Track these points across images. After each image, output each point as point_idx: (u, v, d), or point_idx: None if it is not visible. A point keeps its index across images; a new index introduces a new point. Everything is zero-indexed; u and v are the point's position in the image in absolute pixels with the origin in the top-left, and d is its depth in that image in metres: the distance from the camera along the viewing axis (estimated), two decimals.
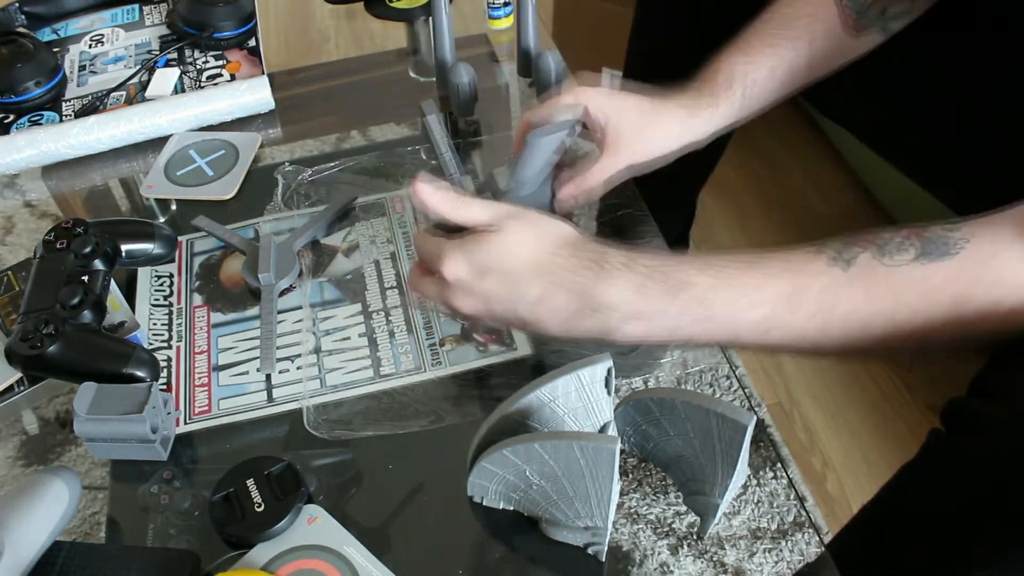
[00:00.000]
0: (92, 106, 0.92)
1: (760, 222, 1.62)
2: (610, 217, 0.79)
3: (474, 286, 0.57)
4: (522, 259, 0.56)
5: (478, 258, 0.57)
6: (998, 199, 0.75)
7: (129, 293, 0.75)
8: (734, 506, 0.60)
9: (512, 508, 0.59)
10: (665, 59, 1.00)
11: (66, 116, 0.92)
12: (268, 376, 0.69)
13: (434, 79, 0.95)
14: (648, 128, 0.69)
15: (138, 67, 0.97)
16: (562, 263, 0.56)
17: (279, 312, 0.73)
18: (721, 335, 0.55)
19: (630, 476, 0.62)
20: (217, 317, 0.74)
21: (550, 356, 0.69)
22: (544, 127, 0.64)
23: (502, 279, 0.56)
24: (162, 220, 0.84)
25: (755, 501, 0.60)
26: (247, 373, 0.69)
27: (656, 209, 0.79)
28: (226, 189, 0.84)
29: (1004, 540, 0.55)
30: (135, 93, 0.94)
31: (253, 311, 0.74)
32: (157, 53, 0.99)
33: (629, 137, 0.68)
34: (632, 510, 0.60)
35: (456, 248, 0.57)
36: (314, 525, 0.57)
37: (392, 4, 1.05)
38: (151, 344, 0.72)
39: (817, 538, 0.59)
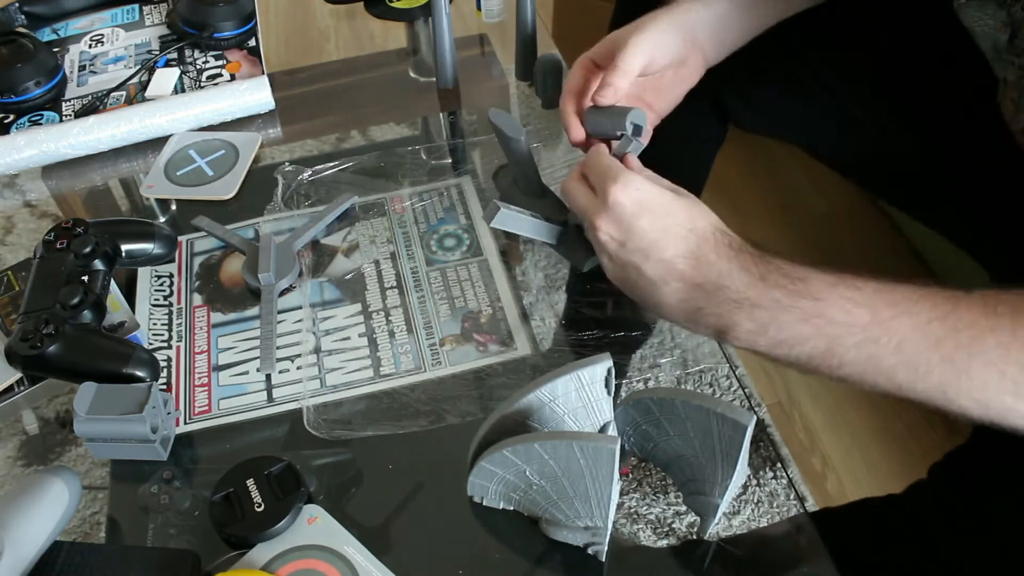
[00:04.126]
0: (92, 106, 0.92)
1: (760, 222, 1.62)
2: None
3: (626, 217, 0.58)
4: (683, 217, 0.57)
5: (646, 197, 0.58)
6: (966, 224, 0.77)
7: (129, 293, 0.75)
8: (734, 506, 0.60)
9: (512, 508, 0.59)
10: None
11: (66, 116, 0.92)
12: (268, 376, 0.69)
13: (434, 79, 0.95)
14: (644, 31, 0.70)
15: (138, 67, 0.97)
16: (710, 241, 0.57)
17: (279, 312, 0.73)
18: (822, 340, 0.53)
19: (630, 476, 0.62)
20: (217, 317, 0.74)
21: (550, 356, 0.69)
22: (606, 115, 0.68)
23: (655, 224, 0.57)
24: (162, 220, 0.84)
25: (755, 501, 0.60)
26: (247, 373, 0.69)
27: None
28: (226, 189, 0.84)
29: None
30: (135, 93, 0.94)
31: (253, 311, 0.74)
32: (157, 53, 0.99)
33: (632, 39, 0.69)
34: (632, 510, 0.60)
35: (633, 178, 0.58)
36: (314, 525, 0.57)
37: (392, 4, 1.05)
38: (151, 344, 0.72)
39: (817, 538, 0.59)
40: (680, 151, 1.13)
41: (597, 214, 0.59)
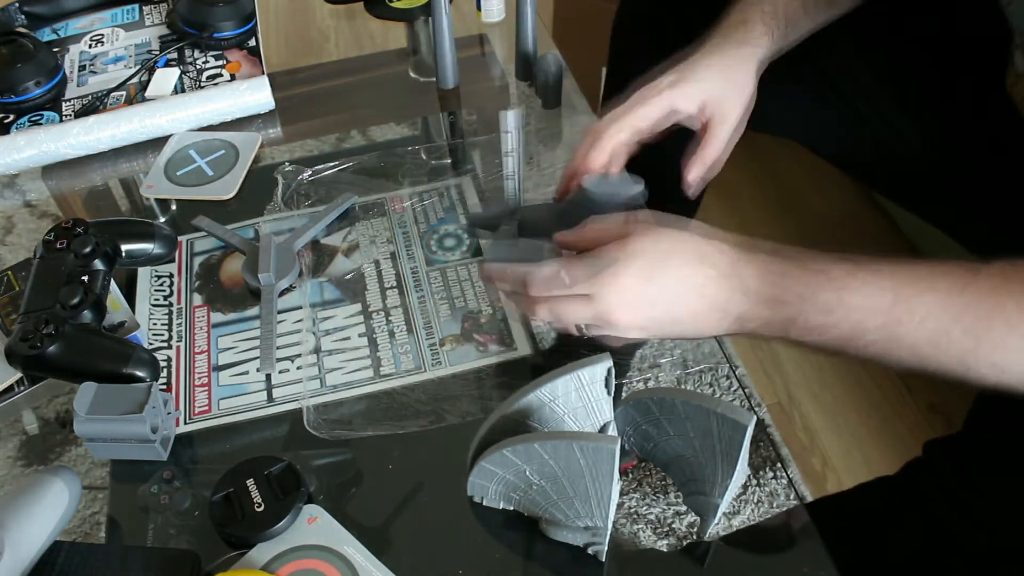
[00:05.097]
0: (92, 106, 0.92)
1: (760, 222, 1.62)
2: None
3: (639, 300, 0.56)
4: (689, 251, 0.57)
5: (642, 267, 0.56)
6: (970, 220, 0.76)
7: (129, 293, 0.75)
8: (734, 506, 0.60)
9: (512, 508, 0.59)
10: (647, 49, 1.02)
11: (66, 116, 0.92)
12: (268, 376, 0.69)
13: (434, 79, 0.95)
14: (735, 84, 0.69)
15: (138, 67, 0.97)
16: (724, 257, 0.57)
17: (279, 312, 0.73)
18: (847, 325, 0.54)
19: (630, 476, 0.62)
20: (217, 317, 0.74)
21: (550, 356, 0.69)
22: (605, 184, 0.65)
23: (667, 282, 0.56)
24: (162, 220, 0.84)
25: (755, 501, 0.60)
26: (247, 373, 0.69)
27: (657, 208, 0.79)
28: (226, 189, 0.84)
29: None
30: (135, 93, 0.94)
31: (253, 311, 0.74)
32: (157, 53, 0.99)
33: (731, 101, 0.69)
34: (632, 510, 0.60)
35: (623, 262, 0.56)
36: (314, 525, 0.57)
37: (392, 4, 1.05)
38: (151, 344, 0.72)
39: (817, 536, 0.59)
40: (683, 153, 1.13)
41: (609, 311, 0.56)
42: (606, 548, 0.56)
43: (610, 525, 0.55)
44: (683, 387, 0.67)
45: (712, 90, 0.68)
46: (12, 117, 0.92)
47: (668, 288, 0.56)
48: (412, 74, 1.00)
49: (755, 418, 0.53)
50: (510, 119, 0.64)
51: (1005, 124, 0.74)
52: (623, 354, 0.69)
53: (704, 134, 0.69)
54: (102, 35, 1.03)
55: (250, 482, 0.58)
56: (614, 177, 0.66)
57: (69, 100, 0.94)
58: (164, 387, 0.69)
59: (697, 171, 0.69)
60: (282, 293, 0.74)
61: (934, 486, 0.69)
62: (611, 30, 1.10)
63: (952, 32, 0.78)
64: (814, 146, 0.95)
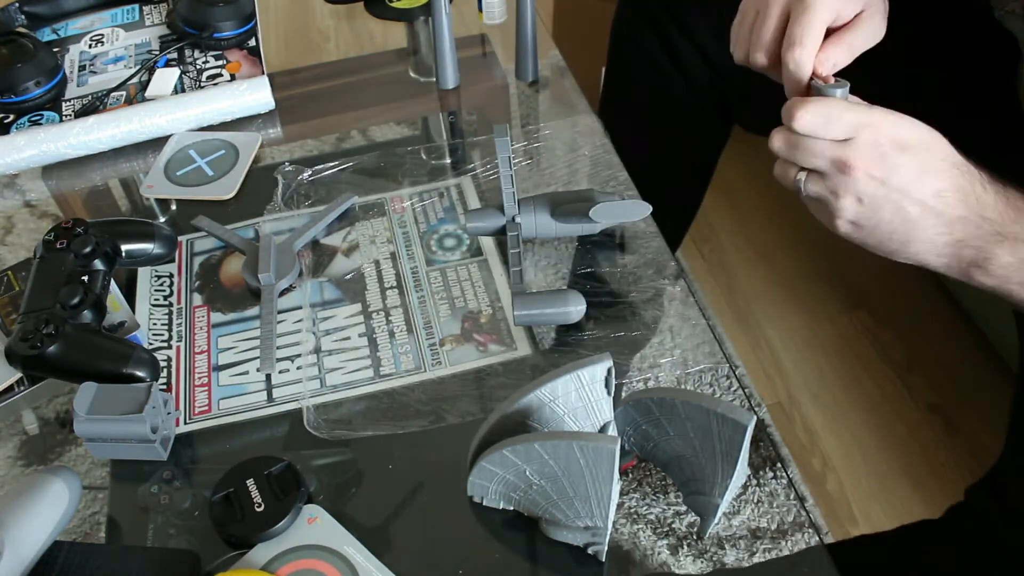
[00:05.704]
0: (92, 106, 0.92)
1: (760, 222, 1.62)
2: None
3: (890, 155, 0.55)
4: (945, 151, 0.56)
5: (905, 133, 0.55)
6: None
7: (129, 293, 0.75)
8: (734, 506, 0.60)
9: (512, 508, 0.59)
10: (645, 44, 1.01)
11: (66, 116, 0.92)
12: (268, 376, 0.69)
13: (434, 79, 0.95)
14: None
15: (138, 67, 0.97)
16: (975, 175, 0.56)
17: (279, 312, 0.73)
18: None
19: (630, 476, 0.62)
20: (217, 317, 0.74)
21: (550, 356, 0.69)
22: (612, 208, 0.71)
23: (917, 160, 0.55)
24: (162, 220, 0.84)
25: (755, 501, 0.60)
26: (247, 373, 0.69)
27: (657, 208, 0.79)
28: (226, 189, 0.84)
29: None
30: (135, 93, 0.94)
31: (253, 311, 0.74)
32: (157, 53, 0.99)
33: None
34: (632, 510, 0.60)
35: (887, 115, 0.56)
36: (314, 525, 0.57)
37: (392, 4, 1.05)
38: (151, 344, 0.72)
39: (817, 538, 0.59)
40: (685, 151, 1.13)
41: (855, 155, 0.56)
42: (606, 548, 0.56)
43: (610, 525, 0.55)
44: (683, 387, 0.67)
45: None
46: (12, 117, 0.92)
47: (924, 148, 0.55)
48: (412, 74, 1.00)
49: (755, 418, 0.53)
50: (507, 144, 0.68)
51: (1013, 132, 0.73)
52: (623, 354, 0.69)
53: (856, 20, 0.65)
54: (102, 35, 1.03)
55: (250, 482, 0.58)
56: (622, 202, 0.72)
57: (69, 100, 0.94)
58: (164, 387, 0.69)
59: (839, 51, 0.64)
60: (282, 293, 0.74)
61: (978, 530, 0.68)
62: (611, 30, 1.10)
63: (960, 42, 0.77)
64: None
